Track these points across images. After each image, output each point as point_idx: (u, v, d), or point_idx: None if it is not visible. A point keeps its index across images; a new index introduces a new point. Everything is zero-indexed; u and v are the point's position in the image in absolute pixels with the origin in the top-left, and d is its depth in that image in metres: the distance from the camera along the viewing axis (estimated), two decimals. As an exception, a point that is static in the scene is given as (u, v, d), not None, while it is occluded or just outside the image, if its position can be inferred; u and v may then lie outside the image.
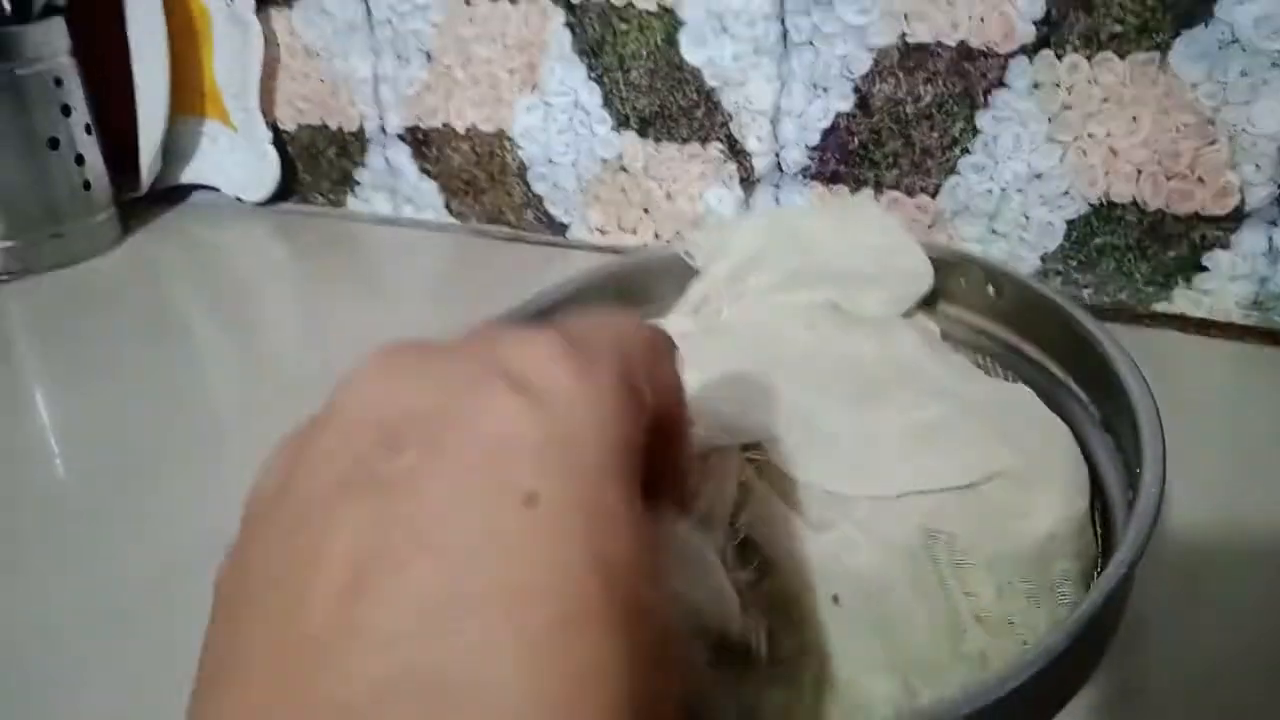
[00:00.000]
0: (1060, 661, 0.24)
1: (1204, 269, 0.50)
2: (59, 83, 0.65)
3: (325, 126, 0.71)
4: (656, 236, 0.62)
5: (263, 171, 0.73)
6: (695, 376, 0.32)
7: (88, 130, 0.67)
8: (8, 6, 0.64)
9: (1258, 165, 0.47)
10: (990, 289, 0.41)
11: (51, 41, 0.64)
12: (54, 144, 0.65)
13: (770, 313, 0.40)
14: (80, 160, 0.66)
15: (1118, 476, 0.33)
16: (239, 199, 0.75)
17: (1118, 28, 0.47)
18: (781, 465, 0.32)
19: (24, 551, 0.42)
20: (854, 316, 0.40)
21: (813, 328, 0.39)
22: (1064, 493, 0.31)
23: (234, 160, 0.74)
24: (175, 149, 0.74)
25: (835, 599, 0.29)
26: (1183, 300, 0.51)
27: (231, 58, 0.71)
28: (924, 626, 0.29)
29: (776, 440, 0.33)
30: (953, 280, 0.42)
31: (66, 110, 0.65)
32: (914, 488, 0.31)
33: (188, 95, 0.72)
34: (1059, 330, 0.37)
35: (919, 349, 0.37)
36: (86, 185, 0.67)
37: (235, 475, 0.47)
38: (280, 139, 0.72)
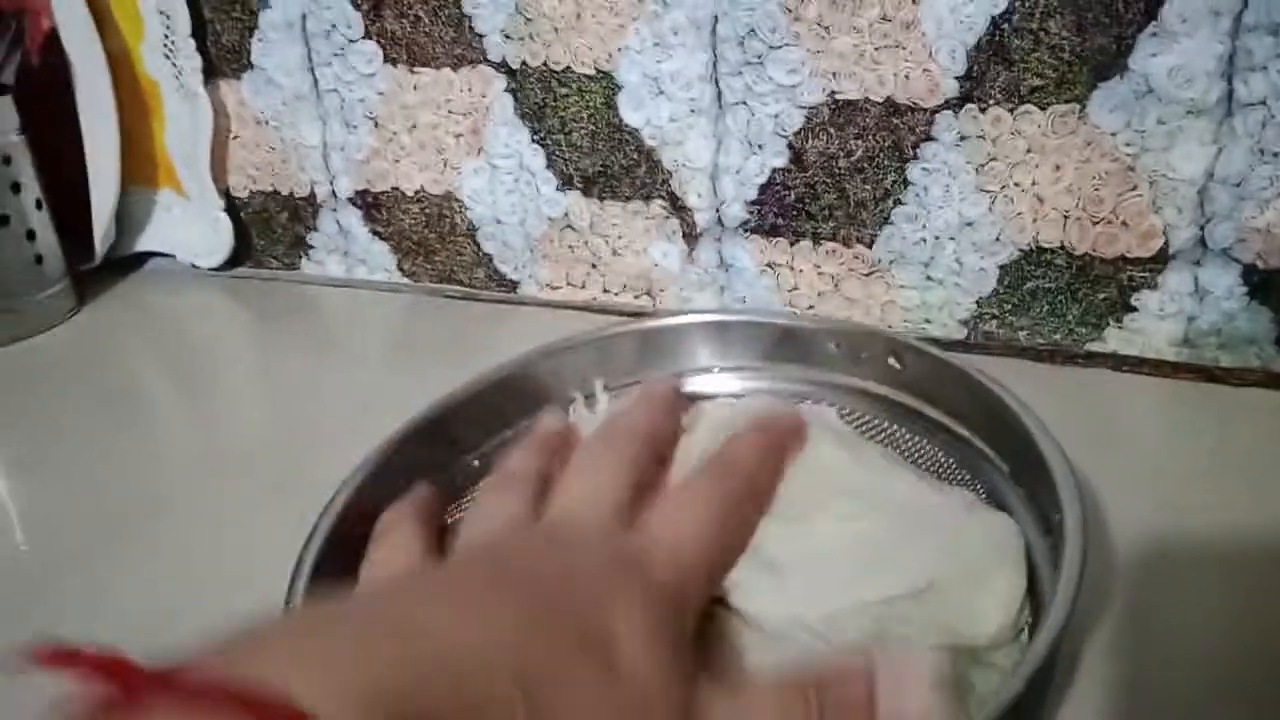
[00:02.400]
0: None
1: (1133, 309, 0.51)
2: (7, 160, 0.65)
3: (277, 192, 0.72)
4: (605, 291, 0.63)
5: (216, 238, 0.73)
6: None
7: (38, 205, 0.67)
8: (-45, 88, 0.64)
9: (1179, 209, 0.49)
10: (892, 360, 0.42)
11: (-1, 120, 0.65)
12: (4, 221, 0.65)
13: (693, 433, 0.41)
14: (31, 235, 0.67)
15: (1033, 522, 0.34)
16: (194, 265, 0.75)
17: (1037, 81, 0.49)
18: (731, 602, 0.33)
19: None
20: None
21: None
22: (1008, 586, 0.32)
23: (188, 227, 0.75)
24: (129, 218, 0.75)
25: None
26: (1115, 339, 0.52)
27: (182, 128, 0.71)
28: None
29: (731, 585, 0.33)
30: (856, 353, 0.43)
31: (16, 187, 0.66)
32: (867, 599, 0.32)
33: (140, 165, 0.73)
34: (963, 393, 0.38)
35: (837, 451, 0.38)
36: (38, 259, 0.68)
37: (195, 545, 0.48)
38: (233, 205, 0.73)
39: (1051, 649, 0.28)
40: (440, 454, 0.41)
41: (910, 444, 0.41)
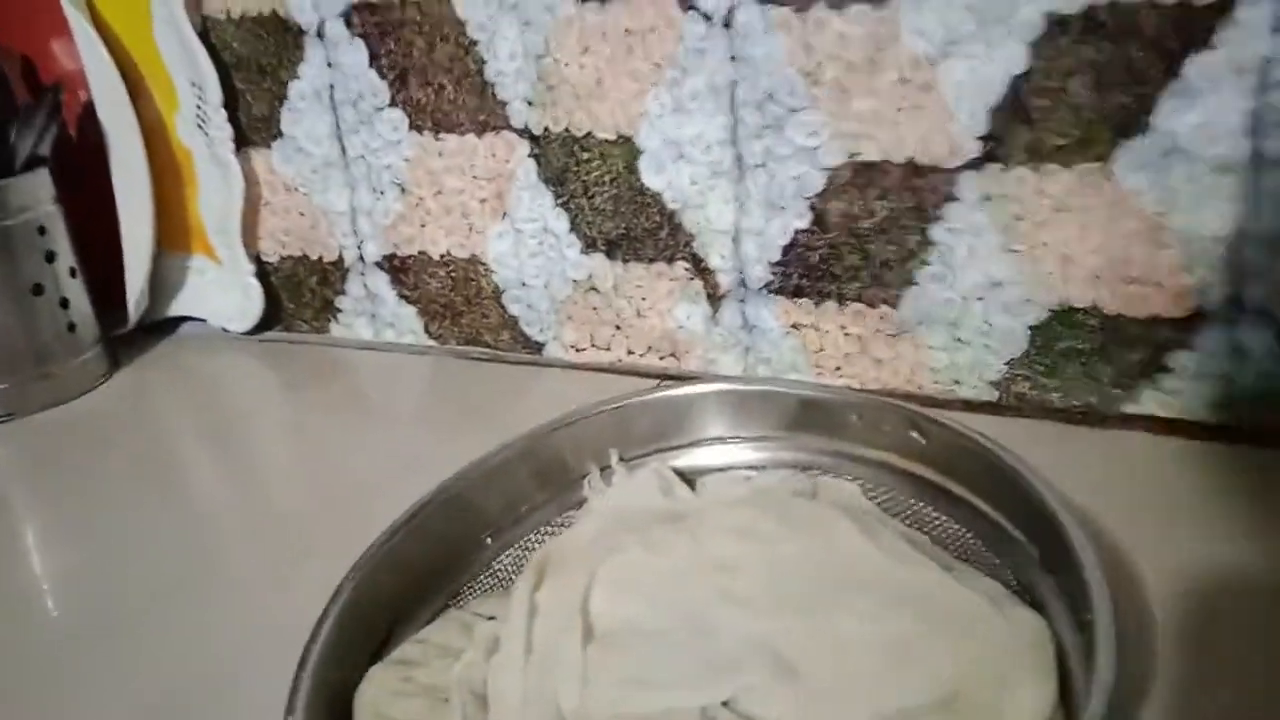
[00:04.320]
0: None
1: (1168, 370, 0.50)
2: (43, 231, 0.66)
3: (306, 257, 0.72)
4: (630, 352, 0.63)
5: (247, 302, 0.74)
6: (643, 611, 0.33)
7: (72, 273, 0.69)
8: (-8, 161, 0.66)
9: (1211, 267, 0.47)
10: (914, 433, 0.41)
11: (35, 191, 0.66)
12: (38, 289, 0.66)
13: (705, 519, 0.40)
14: (65, 303, 0.68)
15: (1064, 611, 0.33)
16: (225, 329, 0.76)
17: (1059, 140, 0.48)
18: (740, 709, 0.32)
19: (16, 694, 0.43)
20: (785, 509, 0.40)
21: (749, 535, 0.38)
22: (1038, 693, 0.31)
23: (219, 292, 0.75)
24: (162, 283, 0.76)
25: None
26: (1150, 401, 0.51)
27: (214, 195, 0.72)
28: None
29: (743, 688, 0.32)
30: (877, 426, 0.42)
31: (50, 256, 0.67)
32: (890, 708, 0.31)
33: (173, 232, 0.74)
34: (987, 470, 0.37)
35: (858, 539, 0.37)
36: (71, 327, 0.69)
37: (230, 611, 0.48)
38: (264, 270, 0.74)
39: None
40: (454, 529, 0.41)
41: (934, 523, 0.40)
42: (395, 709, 0.33)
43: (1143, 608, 0.38)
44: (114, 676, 0.43)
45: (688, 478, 0.44)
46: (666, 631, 0.34)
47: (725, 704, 0.32)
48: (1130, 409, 0.51)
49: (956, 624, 0.33)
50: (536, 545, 0.42)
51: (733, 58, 0.53)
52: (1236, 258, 0.47)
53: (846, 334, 0.56)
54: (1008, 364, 0.53)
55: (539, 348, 0.66)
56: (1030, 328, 0.52)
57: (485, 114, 0.61)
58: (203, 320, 0.77)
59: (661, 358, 0.62)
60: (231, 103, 0.69)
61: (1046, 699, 0.31)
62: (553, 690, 0.33)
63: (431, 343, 0.70)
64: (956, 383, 0.54)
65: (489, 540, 0.42)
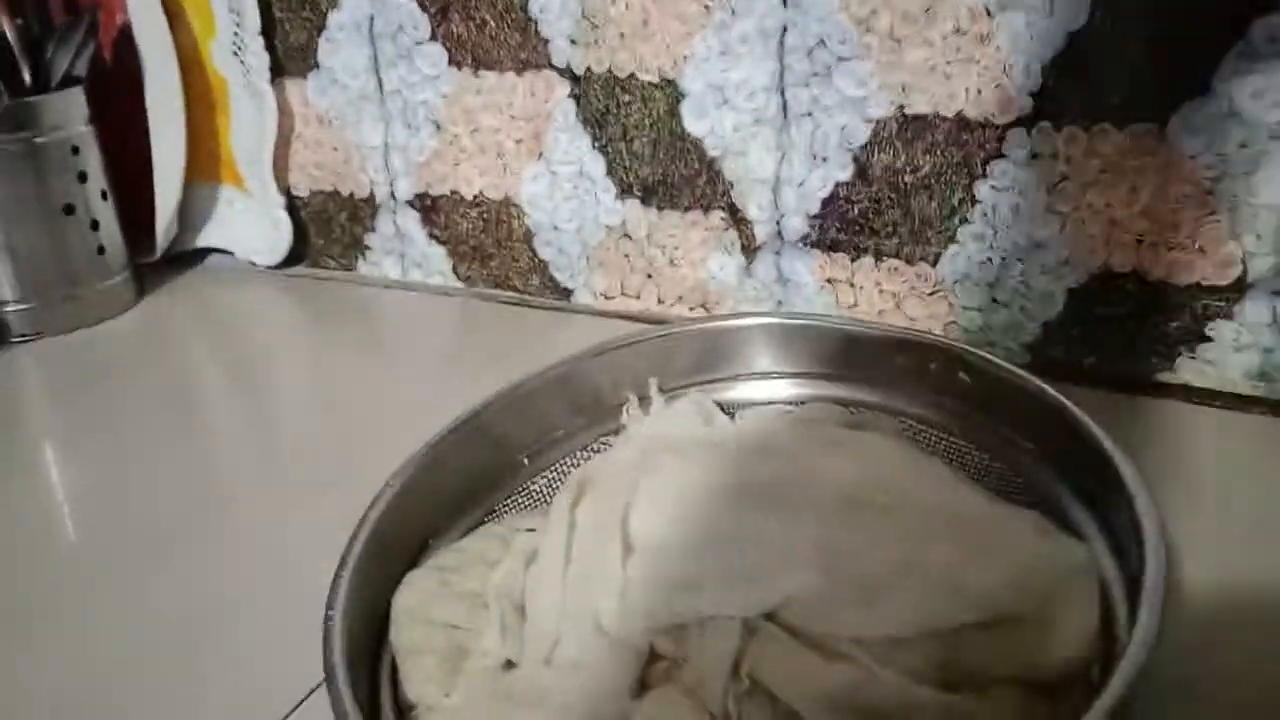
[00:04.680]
0: None
1: (1208, 339, 0.49)
2: (76, 150, 0.66)
3: (337, 193, 0.72)
4: (660, 302, 0.62)
5: (276, 236, 0.74)
6: (683, 527, 0.32)
7: (103, 196, 0.68)
8: (28, 77, 0.65)
9: (1259, 235, 0.47)
10: (962, 373, 0.40)
11: (69, 111, 0.66)
12: (69, 209, 0.66)
13: (746, 441, 0.39)
14: (95, 225, 0.68)
15: (1106, 549, 0.32)
16: (252, 263, 0.75)
17: (1115, 99, 0.47)
18: (784, 619, 0.31)
19: (33, 612, 0.43)
20: (828, 436, 0.39)
21: (792, 456, 0.38)
22: (1082, 619, 0.31)
23: (248, 225, 0.75)
24: (191, 213, 0.75)
25: None
26: (1187, 371, 0.50)
27: (247, 126, 0.72)
28: None
29: (786, 600, 0.32)
30: (923, 364, 0.42)
31: (83, 177, 0.67)
32: (935, 626, 0.30)
33: (204, 161, 0.74)
34: (1034, 411, 0.37)
35: (903, 465, 0.36)
36: (101, 250, 0.68)
37: (246, 539, 0.48)
38: (293, 204, 0.73)
39: (1128, 688, 0.26)
40: (488, 452, 0.41)
41: (977, 461, 0.39)
42: (434, 611, 0.33)
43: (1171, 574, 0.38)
44: (133, 599, 0.43)
45: (727, 410, 0.44)
46: (707, 545, 0.34)
47: (769, 617, 0.31)
48: (1166, 378, 0.51)
49: (1003, 547, 0.32)
50: (573, 468, 0.42)
51: (784, 2, 0.52)
52: (1286, 227, 0.46)
53: (881, 291, 0.56)
54: (1043, 327, 0.53)
55: (568, 294, 0.66)
56: (1069, 291, 0.51)
57: (526, 51, 0.61)
58: (230, 253, 0.77)
59: (692, 308, 0.62)
60: (269, 31, 0.69)
61: (1090, 625, 0.30)
62: (591, 602, 0.32)
63: (459, 284, 0.69)
64: (990, 344, 0.54)
65: (525, 461, 0.42)
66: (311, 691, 0.35)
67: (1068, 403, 0.36)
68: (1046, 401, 0.36)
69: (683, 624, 0.31)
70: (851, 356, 0.43)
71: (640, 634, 0.32)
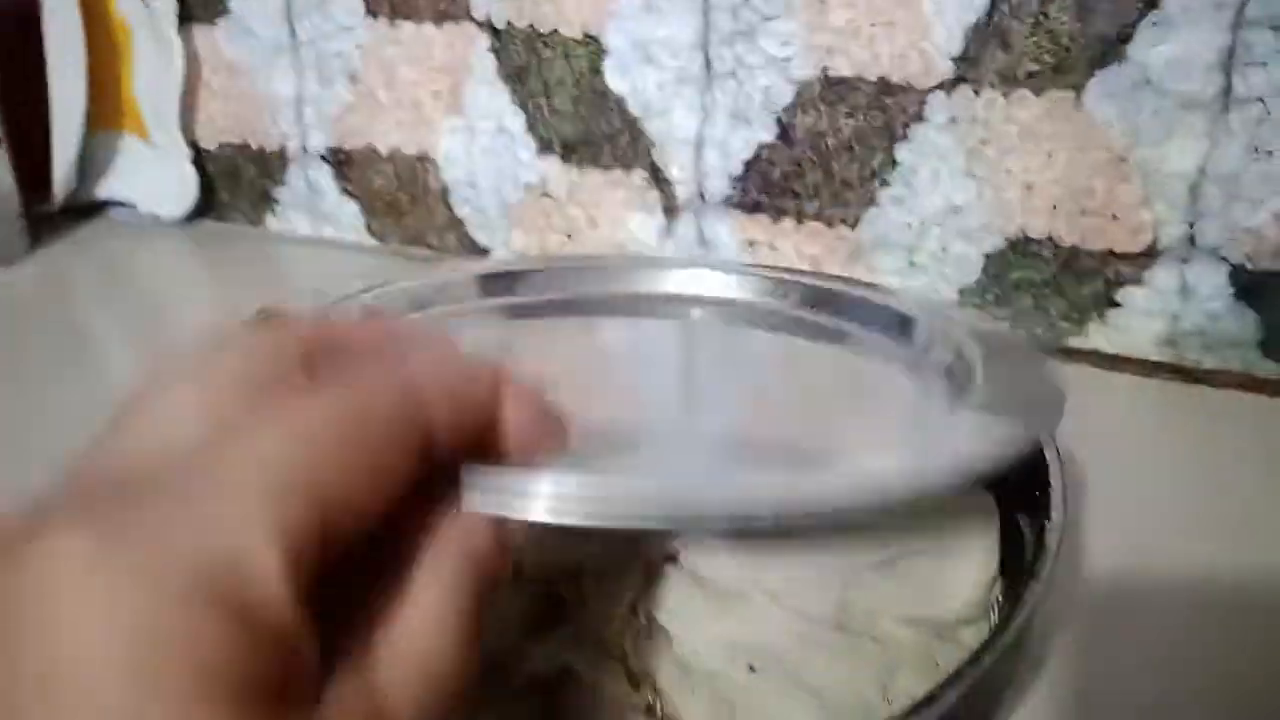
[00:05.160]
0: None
1: (1118, 305, 0.50)
2: (-34, 92, 0.63)
3: (246, 145, 0.69)
4: (580, 263, 0.62)
5: (181, 188, 0.71)
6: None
7: (-4, 141, 0.65)
8: (-86, 12, 0.62)
9: (1170, 204, 0.48)
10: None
11: (-41, 49, 0.63)
12: (-41, 154, 0.63)
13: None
14: (-14, 171, 0.64)
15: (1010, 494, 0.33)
16: (156, 216, 0.73)
17: (1034, 66, 0.48)
18: (682, 560, 0.31)
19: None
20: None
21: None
22: (980, 562, 0.31)
23: (151, 176, 0.72)
24: (91, 163, 0.72)
25: (751, 668, 0.28)
26: (1097, 336, 0.51)
27: (152, 73, 0.69)
28: (846, 681, 0.28)
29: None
30: None
31: (-27, 120, 0.63)
32: (830, 566, 0.30)
33: (105, 109, 0.71)
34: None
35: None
36: (-8, 197, 0.65)
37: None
38: (200, 156, 0.71)
39: (1021, 628, 0.27)
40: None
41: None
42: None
43: (1076, 534, 0.39)
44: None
45: None
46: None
47: (668, 558, 0.31)
48: (1077, 343, 0.52)
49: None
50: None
51: (710, -42, 0.52)
52: (1196, 196, 0.47)
53: (801, 253, 0.56)
54: (960, 292, 0.53)
55: (485, 253, 0.64)
56: (985, 256, 0.52)
57: (446, 2, 0.59)
58: (132, 205, 0.74)
59: (611, 269, 0.61)
60: (176, -26, 0.66)
61: (990, 566, 0.31)
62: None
63: (373, 241, 0.68)
64: (908, 309, 0.54)
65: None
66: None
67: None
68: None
69: (581, 565, 0.31)
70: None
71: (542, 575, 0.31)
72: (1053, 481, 0.31)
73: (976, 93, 0.49)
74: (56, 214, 0.72)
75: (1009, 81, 0.48)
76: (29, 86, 0.67)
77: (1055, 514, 0.30)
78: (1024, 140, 0.49)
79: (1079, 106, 0.48)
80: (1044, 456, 0.32)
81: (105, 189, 0.74)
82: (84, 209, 0.74)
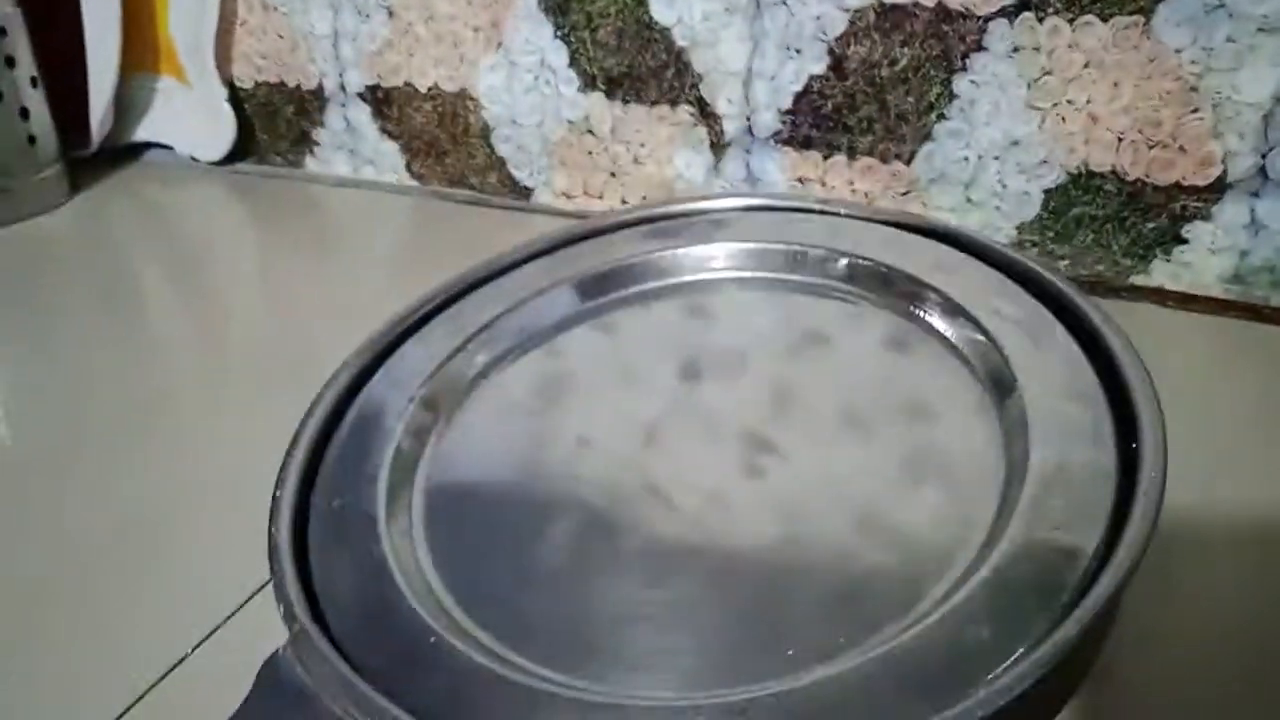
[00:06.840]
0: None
1: (1184, 241, 0.49)
2: (3, 33, 0.62)
3: (283, 84, 0.68)
4: (624, 201, 0.60)
5: (218, 130, 0.70)
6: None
7: (33, 83, 0.64)
8: (-53, -49, 0.61)
9: (1241, 135, 0.46)
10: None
11: (-6, -12, 0.62)
12: (-3, 96, 0.62)
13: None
14: (25, 114, 0.64)
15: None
16: (193, 158, 0.72)
17: (1101, -11, 0.46)
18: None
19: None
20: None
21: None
22: None
23: (189, 118, 0.71)
24: (127, 106, 0.72)
25: None
26: (1161, 273, 0.50)
27: (187, 12, 0.68)
28: None
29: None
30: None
31: (10, 62, 0.63)
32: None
33: (141, 51, 0.70)
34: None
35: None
36: (31, 140, 0.65)
37: (185, 440, 0.45)
38: (236, 96, 0.70)
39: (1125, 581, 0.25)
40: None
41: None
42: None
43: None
44: (71, 501, 0.41)
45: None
46: None
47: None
48: (1140, 280, 0.50)
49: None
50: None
51: (760, -119, 0.50)
52: (1269, 126, 0.45)
53: (854, 190, 0.54)
54: (1017, 228, 0.51)
55: (527, 193, 0.63)
56: (1045, 191, 0.50)
57: (486, -67, 0.58)
58: (170, 148, 0.73)
59: (656, 208, 0.60)
60: (209, -91, 0.65)
61: None
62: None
63: (413, 182, 0.67)
64: (963, 246, 0.53)
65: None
66: (259, 589, 0.34)
67: (1069, 290, 0.34)
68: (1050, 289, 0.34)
69: None
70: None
71: None
72: (1144, 422, 0.29)
73: (1040, 19, 0.47)
74: (94, 158, 0.71)
75: (1074, 7, 0.46)
76: (64, 30, 0.66)
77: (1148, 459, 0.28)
78: (1089, 69, 0.47)
79: (1148, 33, 0.46)
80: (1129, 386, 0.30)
81: (142, 131, 0.73)
82: (121, 152, 0.73)
